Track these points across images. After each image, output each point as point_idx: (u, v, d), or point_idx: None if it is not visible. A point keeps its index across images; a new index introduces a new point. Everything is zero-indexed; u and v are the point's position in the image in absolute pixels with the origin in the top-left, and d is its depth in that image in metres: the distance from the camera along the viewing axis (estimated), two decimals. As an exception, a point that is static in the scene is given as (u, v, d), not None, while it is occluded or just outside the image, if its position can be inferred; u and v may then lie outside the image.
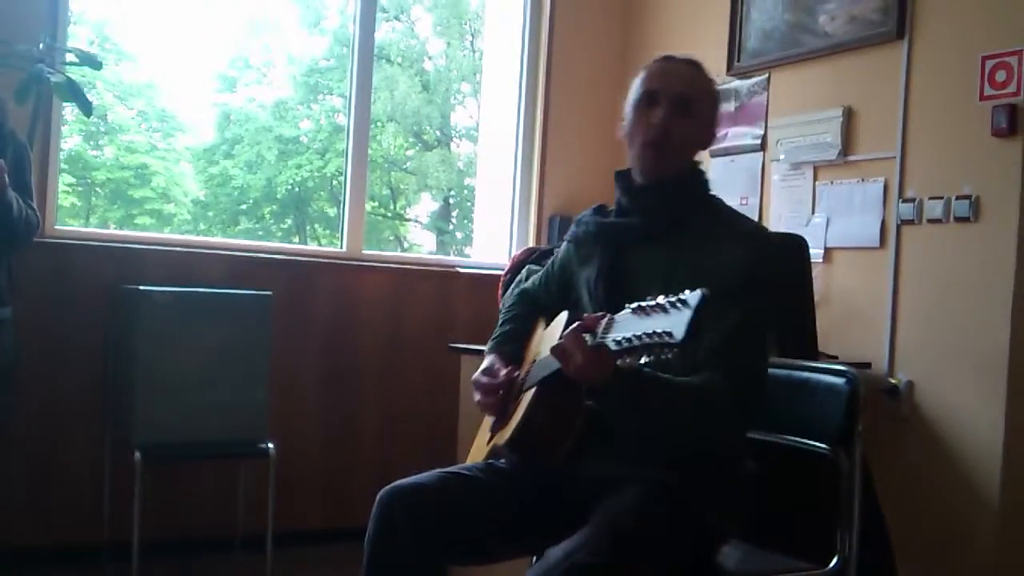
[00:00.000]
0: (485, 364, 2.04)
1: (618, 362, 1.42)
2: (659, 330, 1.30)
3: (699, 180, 1.92)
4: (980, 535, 2.94)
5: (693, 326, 1.27)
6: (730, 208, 1.91)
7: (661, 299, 1.34)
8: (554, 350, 1.56)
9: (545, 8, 4.43)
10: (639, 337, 1.34)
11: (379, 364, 4.01)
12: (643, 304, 1.38)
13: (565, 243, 2.11)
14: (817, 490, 2.25)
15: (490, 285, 3.72)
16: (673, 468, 1.72)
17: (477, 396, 1.99)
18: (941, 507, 3.04)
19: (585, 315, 1.55)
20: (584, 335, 1.50)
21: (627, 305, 1.42)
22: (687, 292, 1.32)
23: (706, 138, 1.94)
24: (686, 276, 1.69)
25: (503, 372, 1.97)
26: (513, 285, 2.29)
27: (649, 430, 1.68)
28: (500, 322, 2.18)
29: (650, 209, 1.87)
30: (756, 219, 3.78)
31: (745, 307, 1.69)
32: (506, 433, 1.85)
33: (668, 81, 1.88)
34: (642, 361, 1.36)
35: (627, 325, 1.39)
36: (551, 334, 1.86)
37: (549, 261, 2.19)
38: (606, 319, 1.48)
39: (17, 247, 2.82)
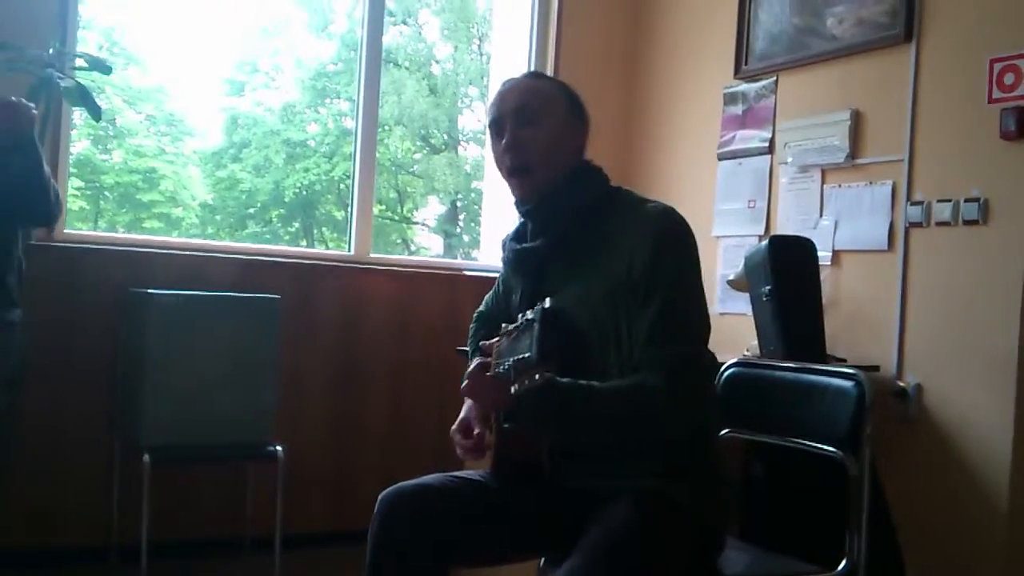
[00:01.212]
0: (462, 414, 2.00)
1: (512, 389, 1.40)
2: (523, 355, 1.33)
3: (589, 179, 1.87)
4: (989, 538, 2.93)
5: (541, 343, 1.29)
6: (631, 196, 1.86)
7: (527, 316, 1.36)
8: (463, 392, 1.61)
9: (553, 11, 4.43)
10: (512, 364, 1.37)
11: (386, 367, 4.01)
12: (509, 327, 1.41)
13: (503, 264, 2.11)
14: (826, 493, 2.25)
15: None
16: (659, 476, 1.71)
17: (459, 451, 1.97)
18: (950, 510, 3.03)
19: (482, 344, 1.60)
20: (486, 372, 1.54)
21: (505, 331, 1.44)
22: (535, 308, 1.33)
23: (573, 135, 1.88)
24: (599, 282, 1.72)
25: (476, 431, 1.94)
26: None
27: (579, 440, 1.69)
28: (470, 350, 2.19)
29: (548, 227, 1.83)
30: (764, 222, 3.78)
31: (662, 295, 1.66)
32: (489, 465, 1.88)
33: (504, 102, 1.85)
34: (526, 383, 1.35)
35: (506, 350, 1.43)
36: None
37: (496, 281, 2.20)
38: (496, 347, 1.51)
39: (47, 216, 2.84)
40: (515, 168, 1.82)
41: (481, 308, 2.25)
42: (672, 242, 1.73)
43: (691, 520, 1.70)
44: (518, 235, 1.96)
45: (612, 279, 1.71)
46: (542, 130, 1.82)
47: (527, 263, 1.89)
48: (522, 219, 1.93)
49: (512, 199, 1.91)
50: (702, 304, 1.75)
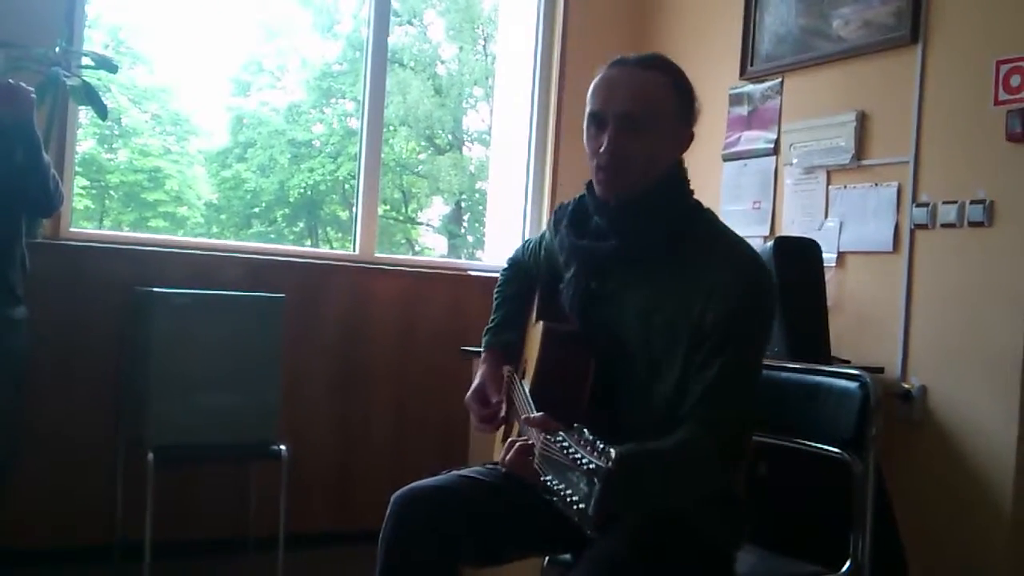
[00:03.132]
0: (477, 380, 2.03)
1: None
2: (576, 499, 1.26)
3: (678, 192, 1.76)
4: (993, 540, 2.93)
5: (601, 505, 1.22)
6: (712, 219, 1.78)
7: (586, 455, 1.26)
8: (504, 464, 1.55)
9: (558, 12, 4.43)
10: (561, 493, 1.30)
11: (391, 367, 4.01)
12: (570, 452, 1.30)
13: (549, 231, 2.00)
14: (830, 494, 2.25)
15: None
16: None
17: (473, 420, 2.00)
18: (954, 512, 3.03)
19: (528, 420, 1.52)
20: (528, 454, 1.48)
21: (562, 442, 1.32)
22: (603, 460, 1.23)
23: (677, 141, 1.75)
24: (664, 310, 1.65)
25: (494, 399, 1.97)
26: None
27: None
28: (496, 302, 2.16)
29: (623, 232, 1.72)
30: (769, 223, 3.77)
31: (729, 357, 1.59)
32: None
33: (613, 99, 1.72)
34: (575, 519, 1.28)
35: (557, 466, 1.34)
36: (536, 338, 1.86)
37: (540, 234, 2.12)
38: (541, 443, 1.41)
39: (47, 205, 2.84)
40: (603, 167, 1.72)
41: (516, 255, 2.19)
42: (754, 304, 1.64)
43: (698, 540, 1.69)
44: (577, 221, 1.83)
45: (680, 313, 1.63)
46: (646, 140, 1.69)
47: (589, 260, 1.78)
48: (593, 209, 1.79)
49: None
50: (761, 365, 1.69)
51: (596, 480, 1.22)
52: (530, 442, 1.49)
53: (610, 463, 1.22)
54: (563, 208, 1.90)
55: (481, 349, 2.11)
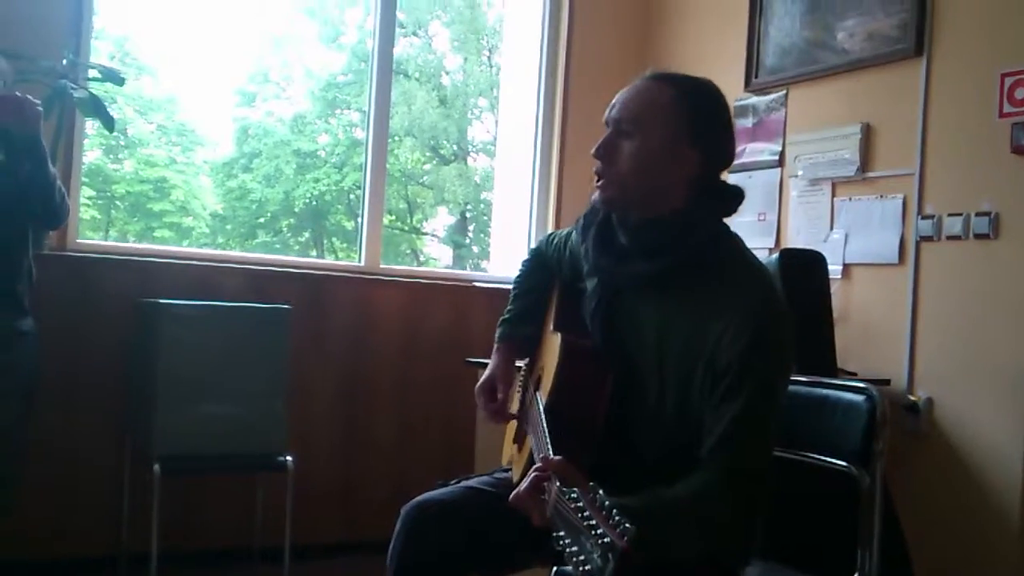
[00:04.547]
0: (488, 372, 2.04)
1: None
2: (588, 568, 1.20)
3: (701, 220, 1.67)
4: (1001, 552, 2.92)
5: None
6: (734, 255, 1.70)
7: (601, 525, 1.20)
8: (514, 500, 1.50)
9: (563, 23, 4.44)
10: (574, 559, 1.24)
11: (396, 377, 4.01)
12: (585, 515, 1.24)
13: (577, 233, 1.94)
14: (837, 507, 2.24)
15: (506, 299, 3.71)
16: None
17: (482, 413, 2.01)
18: (961, 524, 3.02)
19: (545, 461, 1.47)
20: (540, 493, 1.44)
21: (576, 502, 1.27)
22: (618, 535, 1.16)
23: (670, 154, 1.65)
24: (679, 344, 1.62)
25: (500, 395, 1.99)
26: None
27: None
28: (514, 292, 2.15)
29: (648, 256, 1.67)
30: (774, 236, 3.77)
31: (746, 397, 1.53)
32: (518, 470, 1.87)
33: (615, 104, 1.72)
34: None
35: (570, 526, 1.29)
36: (553, 347, 1.84)
37: (568, 230, 2.06)
38: (555, 490, 1.37)
39: (53, 218, 2.85)
40: (596, 172, 1.70)
41: (540, 245, 2.17)
42: (770, 342, 1.58)
43: (705, 556, 1.68)
44: (603, 235, 1.78)
45: (693, 340, 1.60)
46: (631, 145, 1.66)
47: (609, 278, 1.75)
48: (616, 225, 1.75)
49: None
50: (781, 405, 1.63)
51: (611, 557, 1.17)
52: (544, 482, 1.45)
53: (625, 539, 1.16)
54: (593, 213, 1.83)
55: (495, 341, 2.10)
